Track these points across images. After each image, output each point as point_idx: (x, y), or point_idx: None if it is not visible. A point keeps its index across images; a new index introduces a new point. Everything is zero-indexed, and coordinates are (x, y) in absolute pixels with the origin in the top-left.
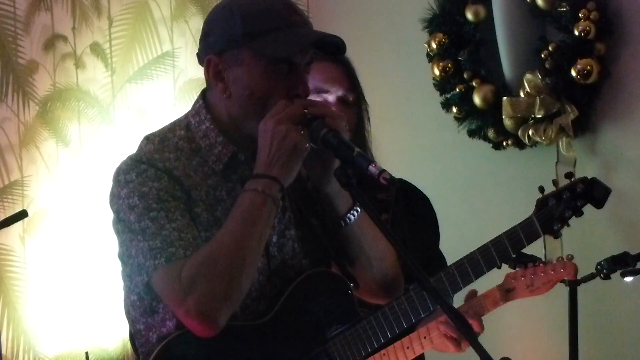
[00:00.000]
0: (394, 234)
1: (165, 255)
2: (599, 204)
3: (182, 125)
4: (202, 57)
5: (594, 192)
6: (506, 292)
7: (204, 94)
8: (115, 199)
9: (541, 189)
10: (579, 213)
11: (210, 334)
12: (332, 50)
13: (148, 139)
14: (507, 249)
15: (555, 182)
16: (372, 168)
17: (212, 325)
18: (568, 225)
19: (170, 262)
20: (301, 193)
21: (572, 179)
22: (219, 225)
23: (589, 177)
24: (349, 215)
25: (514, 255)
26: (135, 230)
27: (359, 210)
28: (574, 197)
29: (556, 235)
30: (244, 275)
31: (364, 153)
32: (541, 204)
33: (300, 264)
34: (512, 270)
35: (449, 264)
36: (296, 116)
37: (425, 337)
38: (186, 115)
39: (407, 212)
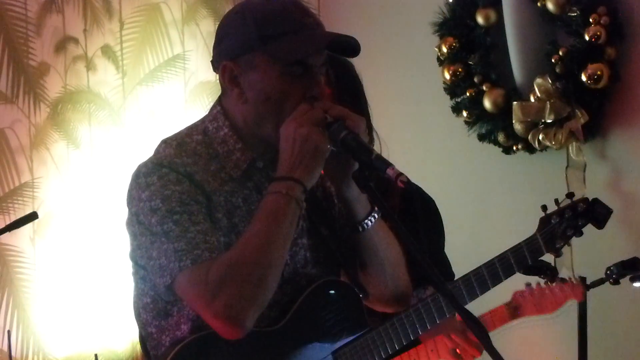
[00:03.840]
0: (412, 239)
1: (191, 257)
2: (599, 224)
3: (199, 130)
4: (216, 64)
5: (595, 212)
6: (514, 310)
7: (220, 100)
8: (135, 201)
9: (544, 208)
10: (579, 233)
11: (238, 336)
12: (347, 51)
13: (166, 142)
14: (511, 265)
15: (557, 201)
16: (389, 171)
17: (240, 327)
18: (569, 245)
19: (196, 264)
20: (312, 202)
21: (573, 199)
22: (236, 232)
23: (590, 198)
24: (366, 220)
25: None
26: (157, 233)
27: (377, 216)
28: (575, 217)
29: (558, 253)
30: (270, 277)
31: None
32: (544, 222)
33: (311, 272)
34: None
35: (457, 267)
36: (317, 119)
37: (432, 350)
38: (203, 120)
39: (411, 217)
